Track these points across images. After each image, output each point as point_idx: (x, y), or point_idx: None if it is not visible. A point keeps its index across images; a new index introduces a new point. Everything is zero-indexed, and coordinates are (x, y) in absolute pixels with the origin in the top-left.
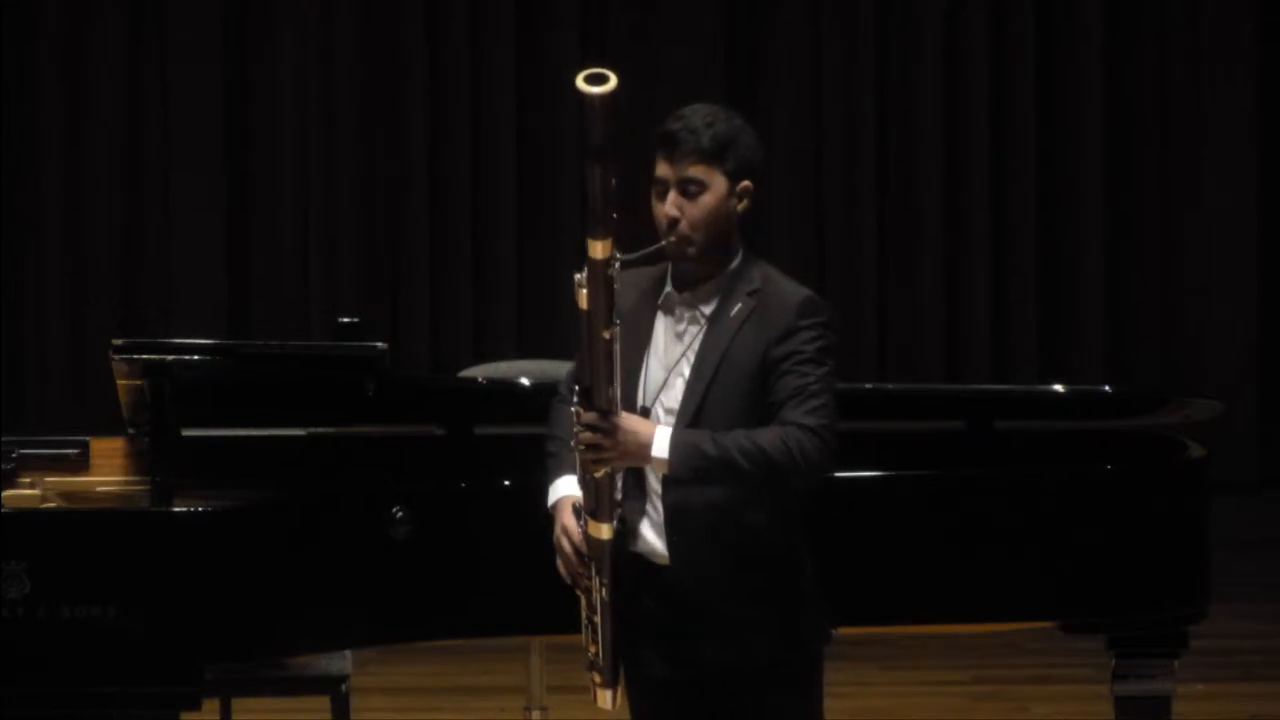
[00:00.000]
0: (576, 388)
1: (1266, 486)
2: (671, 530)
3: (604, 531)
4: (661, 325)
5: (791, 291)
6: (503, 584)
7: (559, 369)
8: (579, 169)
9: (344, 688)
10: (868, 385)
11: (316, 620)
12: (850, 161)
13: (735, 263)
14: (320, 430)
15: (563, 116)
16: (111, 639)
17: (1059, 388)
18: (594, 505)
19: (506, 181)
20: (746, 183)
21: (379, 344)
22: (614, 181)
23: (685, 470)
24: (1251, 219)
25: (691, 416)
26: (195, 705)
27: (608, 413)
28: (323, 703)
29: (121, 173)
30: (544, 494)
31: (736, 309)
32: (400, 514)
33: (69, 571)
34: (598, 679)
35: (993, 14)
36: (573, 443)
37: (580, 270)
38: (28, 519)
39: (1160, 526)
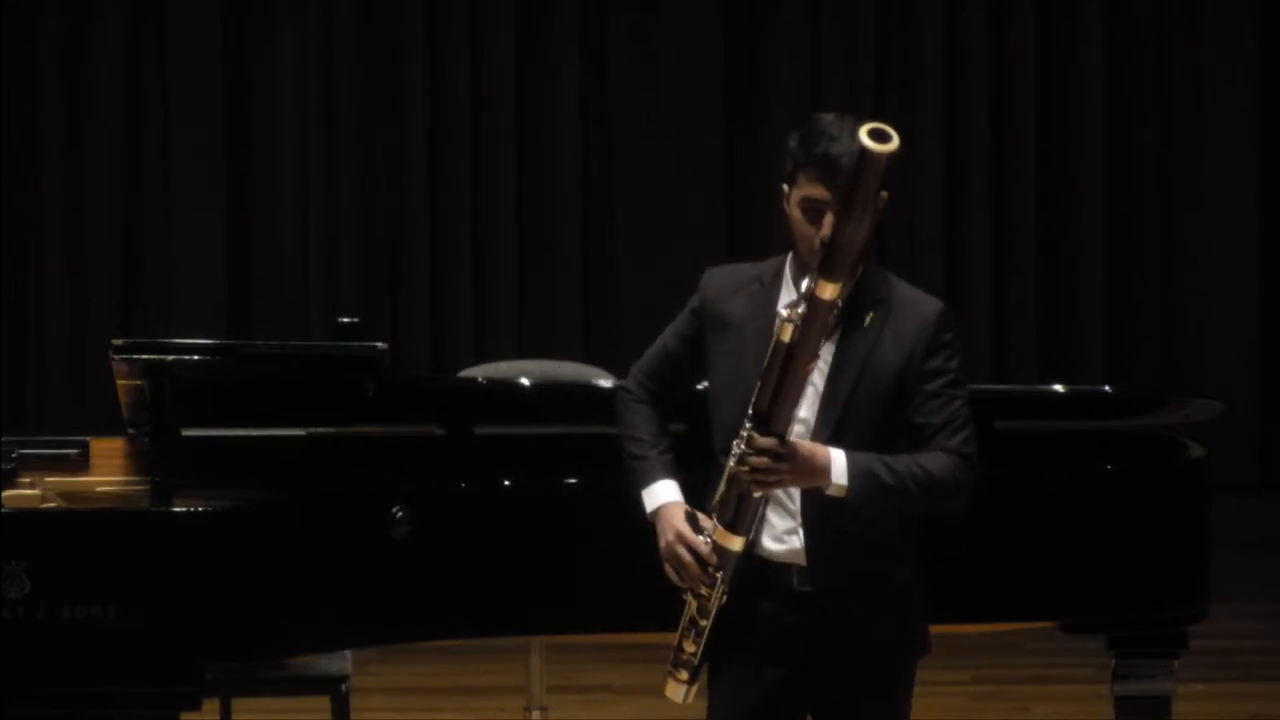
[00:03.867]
0: (751, 411)
1: (1266, 486)
2: (810, 537)
3: (737, 544)
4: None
5: (924, 301)
6: (502, 584)
7: (559, 369)
8: (583, 166)
9: (344, 688)
10: None
11: (316, 620)
12: None
13: (860, 270)
14: (320, 430)
15: (561, 116)
16: (111, 639)
17: (1059, 388)
18: (734, 519)
19: (506, 181)
20: (885, 194)
21: (379, 344)
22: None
23: (862, 497)
24: (1251, 219)
25: (833, 427)
26: (195, 705)
27: (784, 439)
28: (323, 703)
29: (121, 173)
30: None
31: (869, 319)
32: (400, 514)
33: (69, 571)
34: (683, 675)
35: (993, 14)
36: (733, 463)
37: (786, 305)
38: (28, 519)
39: (1160, 526)
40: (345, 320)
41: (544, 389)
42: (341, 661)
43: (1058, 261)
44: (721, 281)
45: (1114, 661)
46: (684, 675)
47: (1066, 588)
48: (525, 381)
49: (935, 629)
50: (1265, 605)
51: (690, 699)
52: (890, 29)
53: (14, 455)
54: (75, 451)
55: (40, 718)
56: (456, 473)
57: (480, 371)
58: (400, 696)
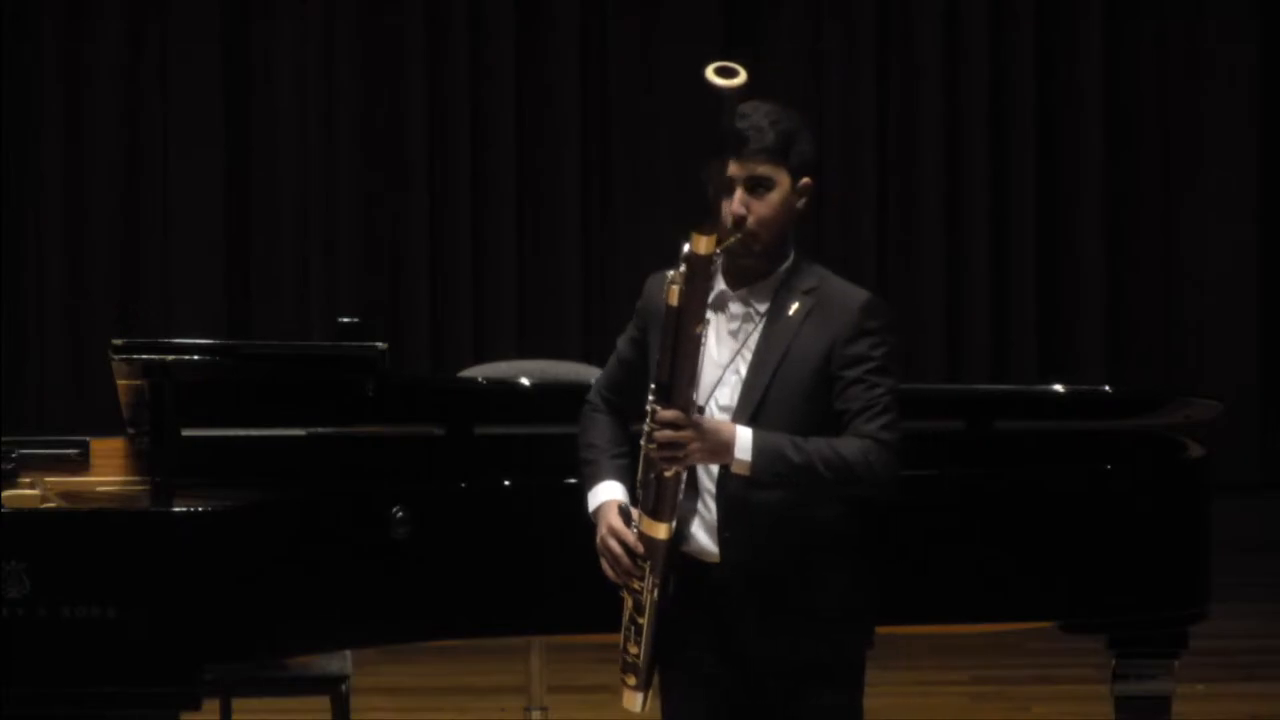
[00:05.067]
0: (653, 385)
1: (1267, 487)
2: (725, 527)
3: (661, 531)
4: (714, 322)
5: (852, 291)
6: (502, 584)
7: (559, 369)
8: (583, 166)
9: (344, 688)
10: None
11: (317, 620)
12: (850, 161)
13: (789, 261)
14: (320, 430)
15: (561, 116)
16: (111, 639)
17: (1059, 388)
18: (654, 505)
19: (506, 181)
20: (807, 179)
21: (379, 344)
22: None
23: (767, 474)
24: (1251, 220)
25: (751, 414)
26: (195, 705)
27: (687, 411)
28: (323, 703)
29: (122, 172)
30: (581, 500)
31: (795, 307)
32: (400, 514)
33: (69, 571)
34: (631, 681)
35: (993, 13)
36: (643, 441)
37: (673, 266)
38: (28, 519)
39: (1160, 526)
40: (345, 320)
41: (544, 389)
42: (341, 661)
43: (1057, 261)
44: (660, 283)
45: (1114, 661)
46: (632, 680)
47: (1066, 588)
48: (525, 381)
49: (936, 629)
50: (1265, 605)
51: (646, 707)
52: (891, 29)
53: (14, 455)
54: (75, 451)
55: (40, 717)
56: (456, 473)
57: (480, 371)
58: (400, 696)
